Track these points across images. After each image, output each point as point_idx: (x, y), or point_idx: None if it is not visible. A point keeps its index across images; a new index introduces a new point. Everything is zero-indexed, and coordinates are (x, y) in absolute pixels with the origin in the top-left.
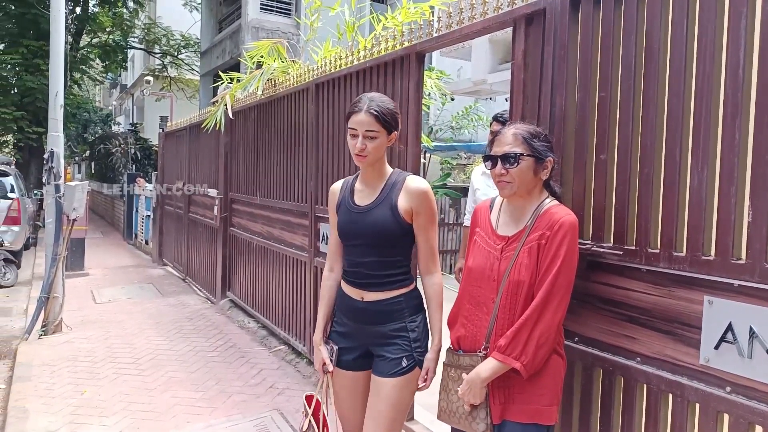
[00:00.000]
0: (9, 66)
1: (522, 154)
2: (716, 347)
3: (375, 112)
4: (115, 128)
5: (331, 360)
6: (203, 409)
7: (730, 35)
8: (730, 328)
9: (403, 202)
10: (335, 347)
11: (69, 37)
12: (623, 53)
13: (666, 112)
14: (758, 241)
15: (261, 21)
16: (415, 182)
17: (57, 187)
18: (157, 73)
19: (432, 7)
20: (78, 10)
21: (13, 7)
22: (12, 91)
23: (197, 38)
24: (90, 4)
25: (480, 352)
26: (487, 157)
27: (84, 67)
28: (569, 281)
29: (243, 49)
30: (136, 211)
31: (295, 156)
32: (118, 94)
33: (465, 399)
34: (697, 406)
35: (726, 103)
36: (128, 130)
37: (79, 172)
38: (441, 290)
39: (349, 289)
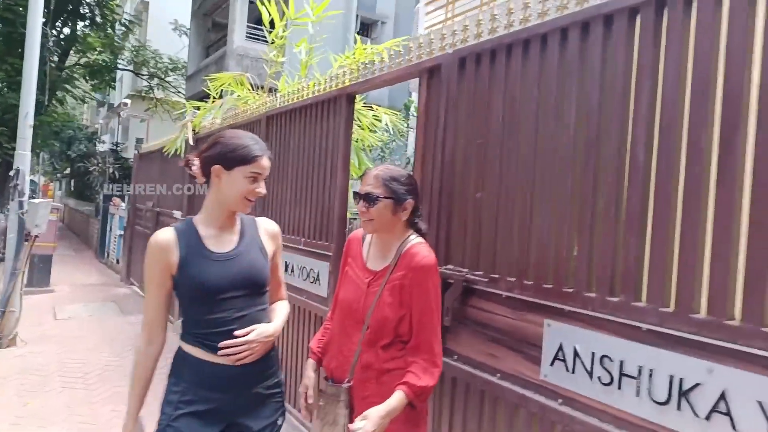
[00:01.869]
0: None
1: (379, 196)
2: (551, 364)
3: (271, 157)
4: (99, 147)
5: None
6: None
7: (564, 92)
8: (561, 347)
9: (267, 245)
10: None
11: (54, 56)
12: (494, 106)
13: (521, 159)
14: (582, 273)
15: (246, 48)
16: (270, 224)
17: (21, 204)
18: (143, 95)
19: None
20: (66, 30)
21: (1, 25)
22: None
23: (185, 62)
24: (79, 25)
25: (345, 384)
26: (354, 194)
27: (68, 86)
28: (439, 317)
29: (207, 79)
30: (110, 230)
31: None
32: (105, 113)
33: None
34: (544, 419)
35: (560, 155)
36: (110, 149)
37: (60, 189)
38: (289, 311)
39: (213, 357)
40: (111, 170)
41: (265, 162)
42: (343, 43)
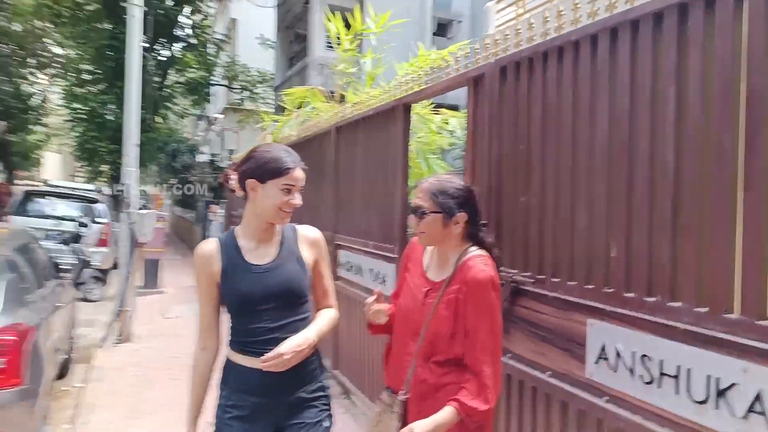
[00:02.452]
0: (106, 105)
1: (426, 211)
2: (596, 362)
3: (304, 168)
4: (200, 158)
5: None
6: None
7: (602, 98)
8: (603, 346)
9: (306, 254)
10: None
11: (156, 77)
12: (534, 111)
13: (561, 164)
14: (620, 273)
15: (326, 58)
16: (310, 231)
17: (129, 215)
18: (235, 107)
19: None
20: (165, 52)
21: (112, 53)
22: (107, 127)
23: (272, 74)
24: (176, 47)
25: (400, 396)
26: (410, 206)
27: (169, 103)
28: (495, 336)
29: (282, 94)
30: (210, 235)
31: (321, 189)
32: (204, 125)
33: None
34: (588, 416)
35: (597, 159)
36: (208, 160)
37: (169, 199)
38: (337, 319)
39: (254, 363)
40: (209, 179)
41: (298, 173)
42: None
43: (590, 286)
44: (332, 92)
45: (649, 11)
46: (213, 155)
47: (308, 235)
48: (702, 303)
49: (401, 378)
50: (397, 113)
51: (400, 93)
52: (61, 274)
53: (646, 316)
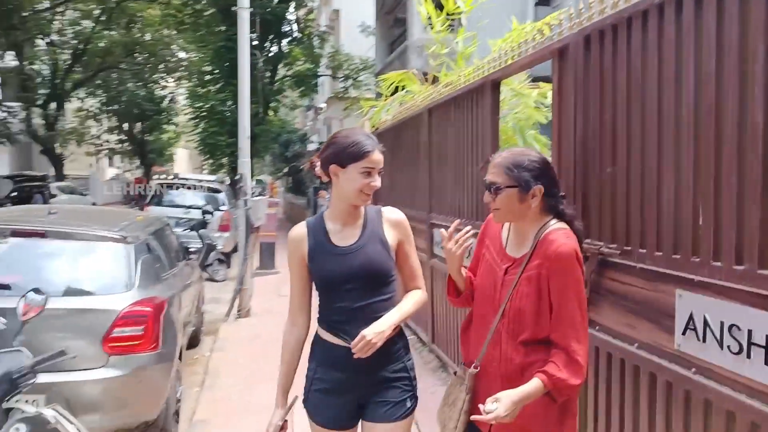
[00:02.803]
0: (224, 102)
1: (500, 186)
2: (683, 333)
3: (383, 150)
4: (310, 146)
5: (282, 427)
6: None
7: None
8: (691, 317)
9: (390, 236)
10: (287, 414)
11: (267, 73)
12: (618, 81)
13: (646, 132)
14: (707, 242)
15: (425, 41)
16: (393, 213)
17: (245, 202)
18: (340, 96)
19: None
20: (274, 48)
21: (227, 53)
22: (226, 122)
23: (374, 61)
24: (284, 42)
25: (471, 369)
26: (484, 182)
27: (279, 97)
28: (582, 311)
29: (378, 79)
30: None
31: (416, 170)
32: (312, 115)
33: (494, 417)
34: (675, 387)
35: (683, 125)
36: (315, 149)
37: (282, 186)
38: (423, 300)
39: (338, 340)
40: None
41: (376, 156)
42: (522, 17)
43: (677, 256)
44: (425, 74)
45: None
46: (320, 143)
47: (391, 216)
48: None
49: (470, 353)
50: (485, 90)
51: (487, 70)
52: (190, 257)
53: (735, 285)
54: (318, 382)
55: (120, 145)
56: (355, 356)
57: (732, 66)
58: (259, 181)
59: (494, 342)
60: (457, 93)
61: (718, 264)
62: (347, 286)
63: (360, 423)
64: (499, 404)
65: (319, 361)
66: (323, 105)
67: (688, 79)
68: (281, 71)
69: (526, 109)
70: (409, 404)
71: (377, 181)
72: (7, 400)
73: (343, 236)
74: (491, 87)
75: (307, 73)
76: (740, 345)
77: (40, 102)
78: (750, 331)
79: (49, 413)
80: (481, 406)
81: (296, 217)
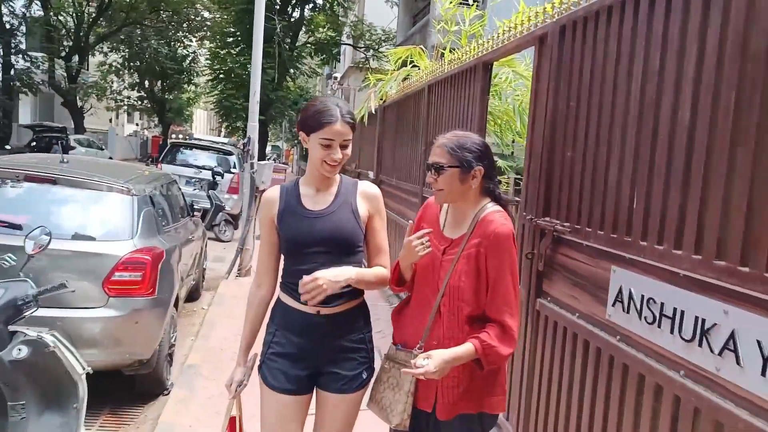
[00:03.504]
0: (244, 66)
1: (444, 165)
2: (613, 305)
3: (349, 122)
4: None
5: (239, 385)
6: None
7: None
8: (620, 290)
9: (362, 207)
10: (249, 372)
11: (287, 39)
12: (584, 72)
13: (599, 121)
14: (638, 224)
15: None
16: (368, 186)
17: (252, 165)
18: (360, 66)
19: None
20: (296, 15)
21: (249, 17)
22: (243, 86)
23: (396, 32)
24: (306, 9)
25: (415, 350)
26: (426, 165)
27: (298, 64)
28: (515, 288)
29: (387, 53)
30: None
31: (415, 145)
32: (331, 84)
33: (424, 372)
34: (602, 353)
35: (629, 117)
36: None
37: (296, 154)
38: (384, 277)
39: (298, 304)
40: None
41: (337, 128)
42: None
43: (614, 236)
44: (434, 49)
45: None
46: None
47: (366, 190)
48: (699, 251)
49: (419, 335)
50: (478, 71)
51: (480, 52)
52: (195, 214)
53: (655, 263)
54: (275, 346)
55: (140, 102)
56: (301, 297)
57: (671, 65)
58: (275, 147)
59: (436, 321)
60: (453, 71)
61: (644, 244)
62: (313, 249)
63: (315, 390)
64: (430, 361)
65: (278, 325)
66: (337, 76)
67: (636, 75)
68: (302, 38)
69: (527, 92)
70: (364, 376)
71: (337, 154)
72: (12, 324)
73: (315, 201)
74: (483, 68)
75: (328, 41)
76: (654, 316)
77: (63, 54)
78: (662, 304)
79: (48, 337)
80: (412, 361)
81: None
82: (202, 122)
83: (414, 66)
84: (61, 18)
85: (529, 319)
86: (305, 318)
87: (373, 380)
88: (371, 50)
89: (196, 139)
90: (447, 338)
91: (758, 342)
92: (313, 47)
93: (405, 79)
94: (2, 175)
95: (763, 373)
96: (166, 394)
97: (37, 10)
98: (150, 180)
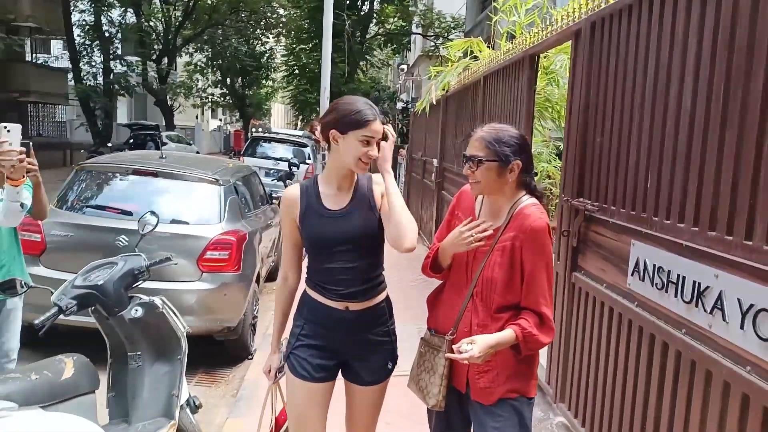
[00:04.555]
0: (317, 61)
1: (482, 159)
2: (632, 275)
3: (383, 120)
4: (399, 105)
5: (279, 371)
6: None
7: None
8: (637, 261)
9: (377, 197)
10: (284, 360)
11: (357, 33)
12: (611, 64)
13: (624, 108)
14: (651, 201)
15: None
16: (376, 176)
17: (324, 156)
18: (430, 54)
19: None
20: (365, 8)
21: (321, 13)
22: (317, 80)
23: (465, 19)
24: (375, 1)
25: (447, 336)
26: (463, 156)
27: (368, 56)
28: (551, 282)
29: (444, 46)
30: (399, 176)
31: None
32: (402, 73)
33: (468, 357)
34: (623, 317)
35: (647, 105)
36: (401, 108)
37: None
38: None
39: (327, 300)
40: (399, 126)
41: (376, 126)
42: None
43: (634, 212)
44: (488, 39)
45: None
46: (406, 102)
47: (376, 179)
48: (696, 223)
49: (451, 321)
50: (524, 63)
51: (526, 46)
52: (273, 202)
53: (664, 236)
54: (303, 338)
55: (222, 99)
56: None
57: (677, 58)
58: None
59: (468, 310)
60: (504, 64)
61: (656, 219)
62: (336, 248)
63: (343, 381)
64: (474, 346)
65: (306, 319)
66: (404, 67)
67: (650, 69)
68: (372, 30)
69: None
70: (390, 366)
71: (375, 151)
72: (129, 290)
73: (335, 200)
74: (529, 60)
75: (398, 32)
76: (663, 282)
77: (154, 57)
78: (669, 272)
79: (158, 301)
80: (455, 346)
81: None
82: (279, 116)
83: (474, 58)
84: (151, 24)
85: (565, 291)
86: (334, 313)
87: (411, 364)
88: (441, 38)
89: (273, 132)
90: (479, 326)
91: (738, 300)
92: (383, 38)
93: (464, 70)
94: (113, 170)
95: (741, 327)
96: (251, 358)
97: (130, 17)
98: (234, 172)
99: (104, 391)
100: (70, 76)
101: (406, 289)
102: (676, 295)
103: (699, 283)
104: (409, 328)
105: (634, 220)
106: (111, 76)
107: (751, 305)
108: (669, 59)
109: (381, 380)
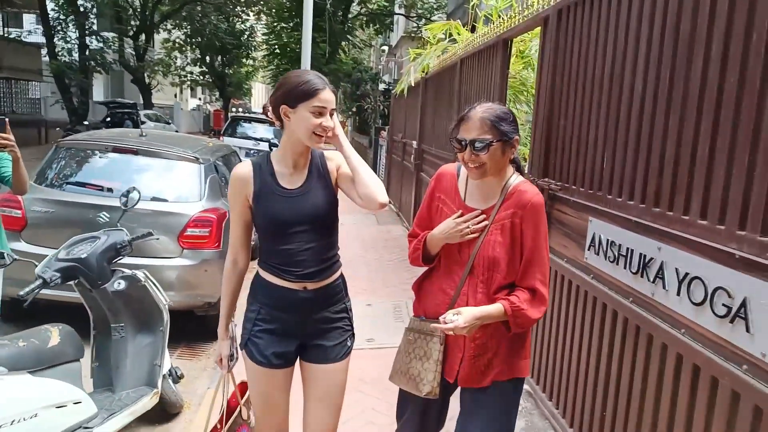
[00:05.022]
0: (297, 40)
1: (492, 141)
2: (588, 249)
3: (333, 89)
4: (381, 86)
5: (231, 358)
6: (367, 293)
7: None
8: (593, 236)
9: (332, 173)
10: (242, 347)
11: (339, 12)
12: (574, 51)
13: (584, 95)
14: (605, 180)
15: None
16: (329, 152)
17: None
18: (412, 35)
19: None
20: None
21: None
22: (297, 60)
23: (448, 0)
24: None
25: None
26: (457, 141)
27: (350, 36)
28: (548, 257)
29: (425, 28)
30: (379, 157)
31: (449, 115)
32: (385, 54)
33: (453, 327)
34: (580, 289)
35: (604, 90)
36: (383, 89)
37: (350, 125)
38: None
39: (284, 282)
40: (381, 107)
41: (326, 95)
42: None
43: (591, 191)
44: (469, 22)
45: None
46: (388, 84)
47: (328, 154)
48: (643, 200)
49: (444, 305)
50: (498, 48)
51: (500, 30)
52: None
53: (616, 212)
54: (261, 323)
55: (202, 77)
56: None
57: (631, 45)
58: None
59: (464, 293)
60: (480, 48)
61: (610, 197)
62: (293, 229)
63: (300, 363)
64: (459, 317)
65: (261, 302)
66: (386, 47)
67: (608, 54)
68: (354, 10)
69: None
70: (349, 344)
71: (329, 121)
72: (112, 263)
73: (290, 179)
74: (502, 45)
75: (380, 11)
76: (615, 255)
77: (131, 33)
78: (620, 245)
79: (140, 274)
80: (441, 317)
81: (360, 156)
82: (260, 95)
83: (452, 40)
84: None
85: None
86: (291, 295)
87: (395, 352)
88: (423, 19)
89: (254, 112)
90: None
91: (676, 269)
92: (365, 18)
93: (443, 53)
94: (94, 148)
95: (678, 293)
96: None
97: None
98: (214, 151)
99: (89, 360)
100: (44, 51)
101: (383, 268)
102: (625, 267)
103: (644, 255)
104: (385, 304)
105: (592, 199)
106: (87, 53)
107: (686, 273)
108: (624, 47)
109: (342, 357)
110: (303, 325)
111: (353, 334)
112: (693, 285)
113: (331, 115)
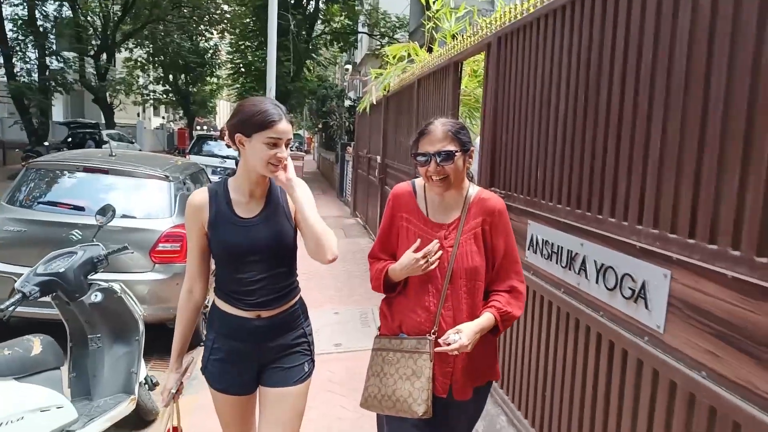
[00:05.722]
0: (263, 59)
1: (456, 151)
2: (528, 249)
3: (290, 120)
4: (347, 102)
5: (173, 392)
6: (335, 301)
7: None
8: (532, 237)
9: (290, 202)
10: (187, 376)
11: (303, 31)
12: (515, 73)
13: (524, 109)
14: (539, 186)
15: (457, 2)
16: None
17: None
18: (375, 53)
19: None
20: (311, 7)
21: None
22: (262, 79)
23: (410, 19)
24: (320, 1)
25: (429, 335)
26: (420, 155)
27: (314, 54)
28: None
29: (384, 51)
30: (346, 173)
31: (409, 131)
32: (349, 72)
33: (459, 347)
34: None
35: (535, 109)
36: (348, 106)
37: (316, 142)
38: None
39: (237, 311)
40: (347, 124)
41: (283, 126)
42: None
43: (528, 198)
44: (427, 42)
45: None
46: (353, 100)
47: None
48: (568, 204)
49: (424, 321)
50: (450, 69)
51: (452, 53)
52: None
53: (547, 215)
54: (216, 352)
55: (165, 96)
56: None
57: (555, 71)
58: (297, 135)
59: (448, 307)
60: (434, 69)
61: (543, 202)
62: (248, 258)
63: (258, 389)
64: (461, 334)
65: (218, 332)
66: (349, 67)
67: (540, 76)
68: (319, 29)
69: None
70: (306, 368)
71: (283, 153)
72: (89, 276)
73: (247, 207)
74: (454, 67)
75: (344, 30)
76: (549, 253)
77: (92, 53)
78: (552, 244)
79: (116, 286)
80: (441, 339)
81: (327, 171)
82: (225, 113)
83: (411, 61)
84: (89, 18)
85: None
86: (245, 323)
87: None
88: (386, 38)
89: (219, 131)
90: (468, 317)
91: (595, 261)
92: (329, 37)
93: (403, 72)
94: (65, 168)
95: (596, 281)
96: (202, 344)
97: (66, 11)
98: (183, 169)
99: (67, 372)
100: (1, 72)
101: (350, 279)
102: (556, 262)
103: (571, 251)
104: (352, 312)
105: (530, 204)
106: (47, 73)
107: (602, 264)
108: (550, 72)
109: (297, 381)
110: (258, 353)
111: (312, 360)
112: (607, 273)
113: (287, 145)
